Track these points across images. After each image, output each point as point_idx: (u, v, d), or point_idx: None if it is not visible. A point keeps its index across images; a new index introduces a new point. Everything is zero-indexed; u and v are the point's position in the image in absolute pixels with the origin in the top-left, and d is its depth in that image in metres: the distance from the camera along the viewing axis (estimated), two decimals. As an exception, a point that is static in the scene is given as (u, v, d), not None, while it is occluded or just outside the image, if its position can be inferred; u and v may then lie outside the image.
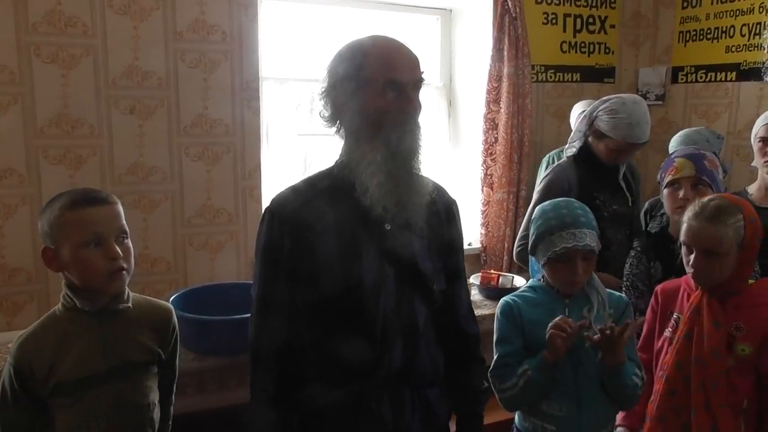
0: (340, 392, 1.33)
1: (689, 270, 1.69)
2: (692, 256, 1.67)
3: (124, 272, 1.41)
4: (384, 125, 1.28)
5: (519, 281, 2.99)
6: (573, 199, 1.72)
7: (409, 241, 1.35)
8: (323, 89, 1.35)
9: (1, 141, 2.51)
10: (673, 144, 2.77)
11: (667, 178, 2.07)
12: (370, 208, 1.29)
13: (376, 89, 1.29)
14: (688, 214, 1.69)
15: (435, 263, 1.39)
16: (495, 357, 1.64)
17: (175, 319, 1.58)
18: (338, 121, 1.36)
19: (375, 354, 1.32)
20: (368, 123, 1.30)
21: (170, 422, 1.63)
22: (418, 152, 1.32)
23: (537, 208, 1.71)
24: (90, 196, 1.41)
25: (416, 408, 1.37)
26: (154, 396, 1.52)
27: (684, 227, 1.69)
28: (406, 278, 1.35)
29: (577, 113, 3.35)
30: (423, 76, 1.34)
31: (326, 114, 1.36)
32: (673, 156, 2.14)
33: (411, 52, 1.34)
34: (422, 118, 1.35)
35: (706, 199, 1.69)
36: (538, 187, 2.49)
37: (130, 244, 1.45)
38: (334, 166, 1.40)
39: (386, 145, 1.28)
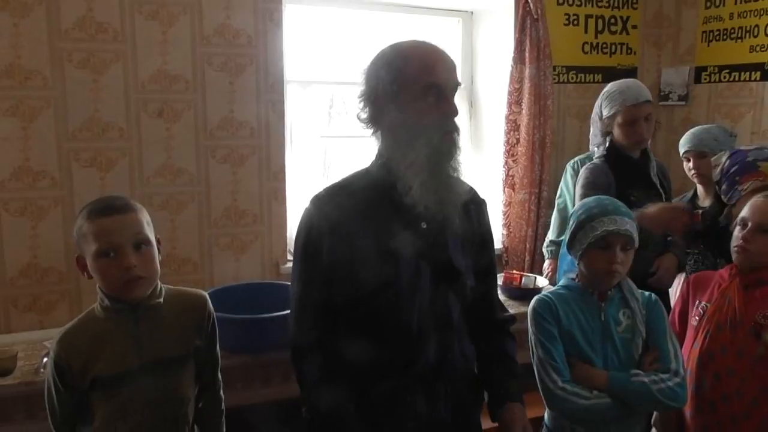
0: (377, 387, 1.35)
1: (736, 243, 1.73)
2: (745, 231, 1.71)
3: (141, 280, 1.42)
4: (425, 127, 1.31)
5: (541, 281, 3.00)
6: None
7: (445, 239, 1.38)
8: (362, 93, 1.39)
9: (35, 144, 2.58)
10: (682, 143, 2.72)
11: (752, 185, 2.00)
12: (409, 206, 1.32)
13: (417, 92, 1.32)
14: (757, 195, 1.75)
15: (467, 261, 1.42)
16: (543, 354, 1.60)
17: (211, 306, 1.61)
18: (377, 124, 1.39)
19: (411, 350, 1.35)
20: (409, 125, 1.33)
21: (223, 407, 1.67)
22: (457, 154, 1.36)
23: (578, 203, 1.74)
24: (106, 205, 1.43)
25: (449, 400, 1.40)
26: (189, 391, 1.55)
27: (749, 204, 1.74)
28: (441, 275, 1.37)
29: None
30: (459, 80, 1.38)
31: (364, 117, 1.39)
32: (749, 158, 2.05)
33: (448, 56, 1.38)
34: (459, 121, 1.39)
35: None
36: (578, 191, 2.47)
37: (153, 251, 1.46)
38: (370, 166, 1.43)
39: (428, 146, 1.31)
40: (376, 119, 1.38)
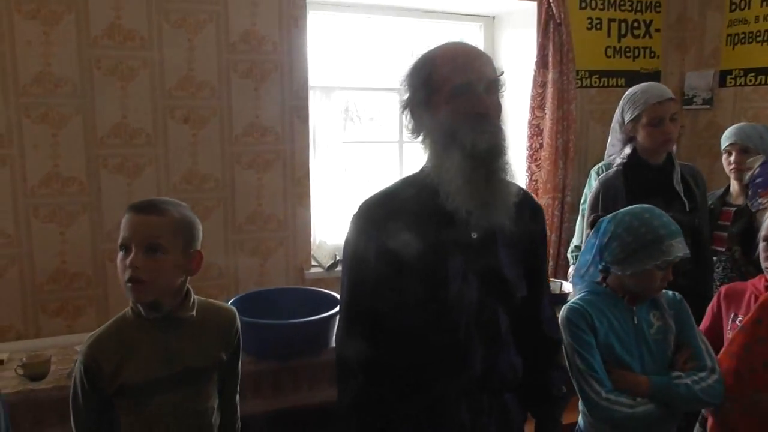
0: (422, 398, 1.34)
1: (767, 264, 1.69)
2: None
3: (142, 285, 1.39)
4: (457, 130, 1.27)
5: (567, 287, 2.98)
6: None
7: (495, 249, 1.34)
8: (403, 102, 1.37)
9: (64, 151, 2.61)
10: (727, 136, 2.69)
11: None
12: (454, 213, 1.29)
13: (446, 94, 1.29)
14: None
15: (518, 270, 1.39)
16: (582, 365, 1.57)
17: (239, 323, 1.61)
18: (421, 132, 1.37)
19: (457, 361, 1.33)
20: (443, 129, 1.30)
21: (239, 422, 1.67)
22: (499, 154, 1.29)
23: (626, 215, 1.63)
24: (142, 202, 1.45)
25: (493, 413, 1.38)
26: (214, 402, 1.55)
27: None
28: (490, 286, 1.34)
29: None
30: (497, 76, 1.32)
31: (409, 126, 1.38)
32: None
33: (479, 53, 1.33)
34: (503, 119, 1.35)
35: None
36: (588, 203, 2.43)
37: (166, 261, 1.41)
38: (417, 173, 1.40)
39: (461, 149, 1.26)
40: (418, 127, 1.37)
